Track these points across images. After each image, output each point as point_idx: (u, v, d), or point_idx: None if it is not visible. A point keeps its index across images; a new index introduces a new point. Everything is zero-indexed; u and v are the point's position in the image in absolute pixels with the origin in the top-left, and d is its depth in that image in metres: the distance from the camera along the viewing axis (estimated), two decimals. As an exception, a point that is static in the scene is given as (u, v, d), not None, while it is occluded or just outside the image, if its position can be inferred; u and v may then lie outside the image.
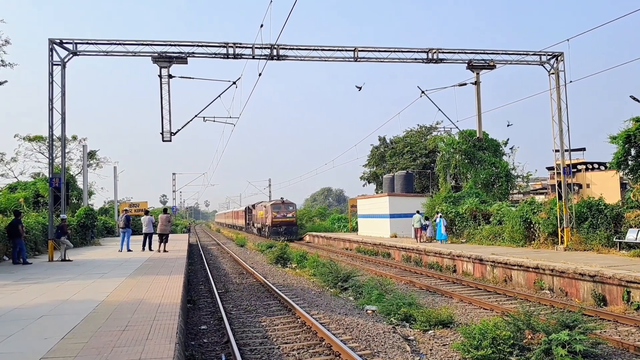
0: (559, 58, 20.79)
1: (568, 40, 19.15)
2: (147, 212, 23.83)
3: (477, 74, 21.98)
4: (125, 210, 24.00)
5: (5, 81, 23.08)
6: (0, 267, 16.73)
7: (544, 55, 21.07)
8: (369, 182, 52.59)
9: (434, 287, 15.58)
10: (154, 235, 22.31)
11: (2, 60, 23.23)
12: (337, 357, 8.17)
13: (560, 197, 19.68)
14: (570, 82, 20.54)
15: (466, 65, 21.70)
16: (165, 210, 24.49)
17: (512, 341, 7.70)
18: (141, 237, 23.20)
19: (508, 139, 35.07)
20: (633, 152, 19.38)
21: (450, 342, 8.98)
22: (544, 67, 21.21)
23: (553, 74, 20.88)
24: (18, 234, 17.28)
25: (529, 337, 7.93)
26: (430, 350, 8.68)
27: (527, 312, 8.27)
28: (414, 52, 20.98)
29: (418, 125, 48.31)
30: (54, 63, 18.53)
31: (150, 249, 22.16)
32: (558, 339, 7.46)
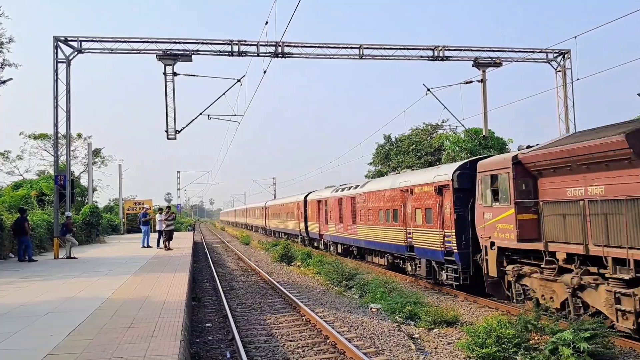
0: (565, 55, 20.66)
1: (575, 37, 19.03)
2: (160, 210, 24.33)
3: (483, 71, 21.87)
4: (146, 207, 24.37)
5: (10, 79, 23.11)
6: (6, 264, 16.83)
7: (551, 52, 20.95)
8: (374, 181, 52.49)
9: (439, 286, 15.51)
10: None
11: (5, 60, 23.25)
12: (342, 355, 8.15)
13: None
14: (577, 79, 20.45)
15: (472, 62, 21.60)
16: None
17: (516, 340, 7.65)
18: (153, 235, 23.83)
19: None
20: None
21: (455, 341, 8.94)
22: (550, 64, 21.10)
23: (560, 71, 20.76)
24: (24, 232, 17.35)
25: (535, 337, 7.89)
26: (435, 348, 8.64)
27: (535, 311, 8.22)
28: (420, 49, 20.90)
29: (424, 123, 47.99)
30: (59, 61, 18.57)
31: (158, 245, 22.44)
32: (564, 338, 7.41)
